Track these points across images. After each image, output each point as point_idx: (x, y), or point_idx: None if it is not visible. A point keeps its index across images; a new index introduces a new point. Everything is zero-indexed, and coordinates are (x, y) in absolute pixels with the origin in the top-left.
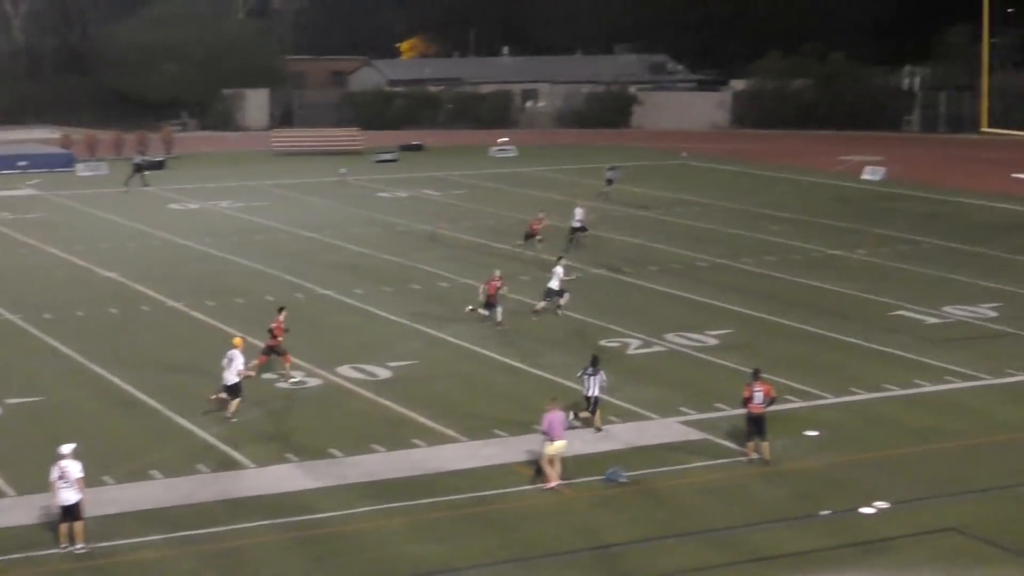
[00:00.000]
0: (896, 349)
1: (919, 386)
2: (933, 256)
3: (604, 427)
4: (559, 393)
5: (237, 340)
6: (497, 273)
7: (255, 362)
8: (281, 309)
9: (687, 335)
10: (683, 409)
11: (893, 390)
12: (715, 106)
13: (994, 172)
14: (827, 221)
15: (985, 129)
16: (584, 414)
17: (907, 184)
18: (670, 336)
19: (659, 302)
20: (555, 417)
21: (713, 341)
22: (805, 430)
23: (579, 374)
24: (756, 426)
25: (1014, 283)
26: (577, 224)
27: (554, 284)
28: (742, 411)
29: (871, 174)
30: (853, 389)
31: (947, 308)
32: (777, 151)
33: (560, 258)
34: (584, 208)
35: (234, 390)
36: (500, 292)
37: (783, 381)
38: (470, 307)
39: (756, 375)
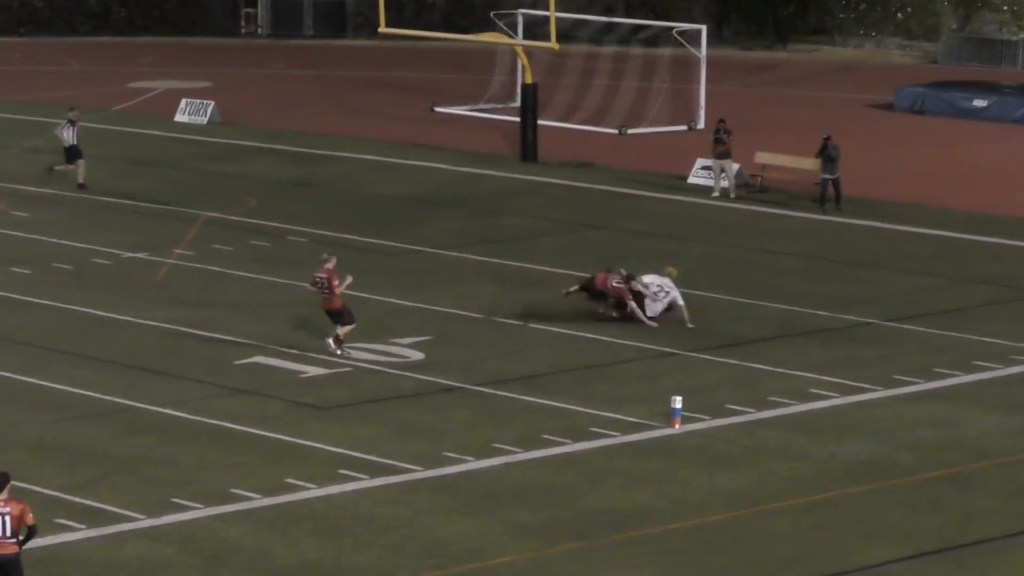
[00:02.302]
0: (250, 426)
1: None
2: (318, 252)
3: None
4: None
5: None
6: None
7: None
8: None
9: None
10: None
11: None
12: None
13: (402, 104)
14: (110, 199)
15: (385, 30)
16: None
17: (256, 129)
18: None
19: None
20: None
21: None
22: None
23: None
24: None
25: (443, 299)
26: None
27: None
28: None
29: (191, 113)
30: (178, 500)
31: (351, 347)
32: (12, 76)
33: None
34: None
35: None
36: None
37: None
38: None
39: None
